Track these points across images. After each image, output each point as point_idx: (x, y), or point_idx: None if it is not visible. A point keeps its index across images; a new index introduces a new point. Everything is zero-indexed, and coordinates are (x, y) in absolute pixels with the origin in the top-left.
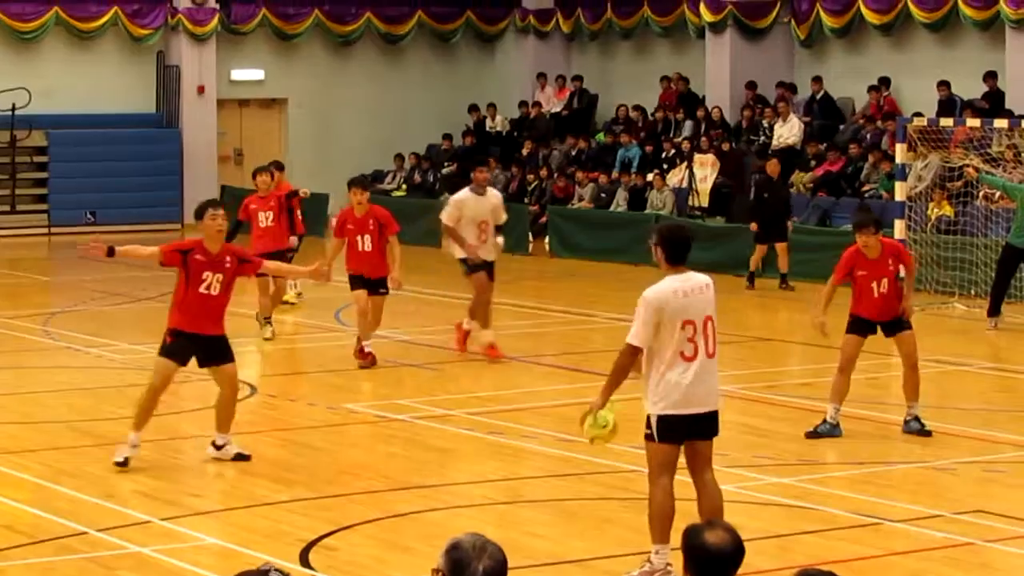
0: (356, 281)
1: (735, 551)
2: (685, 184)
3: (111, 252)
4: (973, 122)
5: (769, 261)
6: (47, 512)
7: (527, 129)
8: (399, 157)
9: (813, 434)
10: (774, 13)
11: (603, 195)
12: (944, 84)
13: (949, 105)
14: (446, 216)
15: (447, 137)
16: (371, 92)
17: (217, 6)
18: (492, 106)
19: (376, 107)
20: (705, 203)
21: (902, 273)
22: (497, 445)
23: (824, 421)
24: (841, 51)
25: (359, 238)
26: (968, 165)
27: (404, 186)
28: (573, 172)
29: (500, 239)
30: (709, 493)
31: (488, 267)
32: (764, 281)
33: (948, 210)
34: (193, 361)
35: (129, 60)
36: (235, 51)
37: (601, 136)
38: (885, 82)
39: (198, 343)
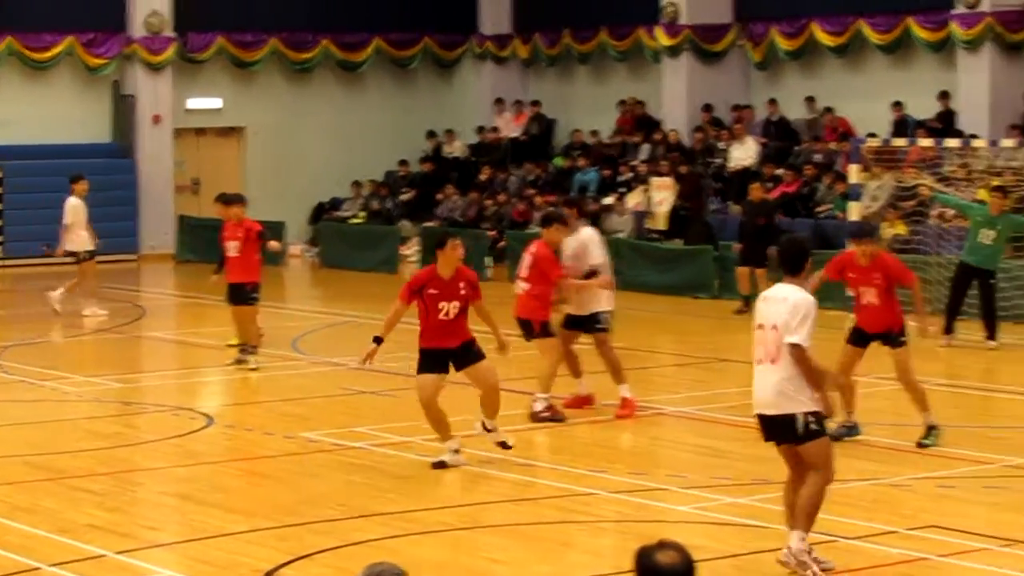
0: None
1: (686, 571)
2: (643, 207)
3: (379, 340)
4: (926, 142)
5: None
6: (2, 549)
7: (485, 154)
8: (356, 184)
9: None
10: (730, 36)
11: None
12: (897, 105)
13: (902, 126)
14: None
15: (404, 163)
16: (329, 119)
17: (174, 35)
18: (450, 132)
19: (334, 134)
20: (663, 226)
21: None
22: (455, 471)
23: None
24: (796, 73)
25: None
26: (922, 184)
27: (362, 213)
28: (531, 196)
29: None
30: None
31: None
32: (727, 303)
33: (902, 229)
34: None
35: (84, 90)
36: (192, 80)
37: (559, 160)
38: (839, 103)
39: (449, 354)
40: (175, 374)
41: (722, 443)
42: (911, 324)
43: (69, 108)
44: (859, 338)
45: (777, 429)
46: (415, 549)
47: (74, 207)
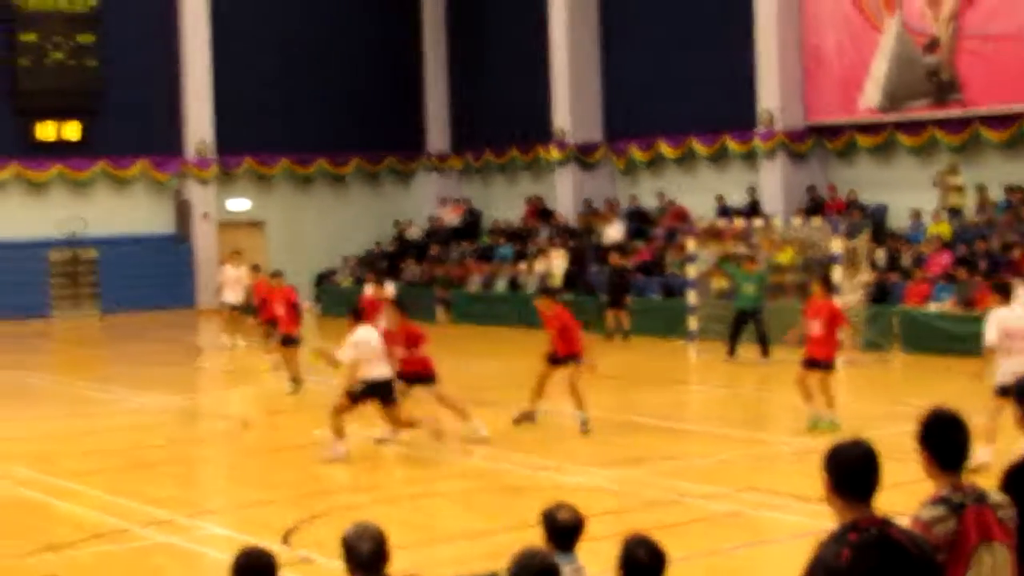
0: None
1: (579, 524)
2: (544, 270)
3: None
4: (739, 222)
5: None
6: (104, 514)
7: (434, 236)
8: (345, 258)
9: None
10: (601, 151)
11: (487, 280)
12: (719, 196)
13: (723, 211)
14: None
15: (378, 244)
16: (324, 214)
17: (215, 157)
18: (410, 221)
19: (328, 224)
20: (559, 283)
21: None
22: (413, 457)
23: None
24: (648, 176)
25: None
26: (736, 253)
27: (350, 278)
28: (467, 264)
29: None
30: None
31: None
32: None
33: (724, 284)
34: None
35: (154, 196)
36: (229, 188)
37: (485, 239)
38: (680, 196)
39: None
40: (225, 392)
41: (601, 434)
42: None
43: (143, 209)
44: (805, 362)
45: None
46: (387, 511)
47: (225, 272)
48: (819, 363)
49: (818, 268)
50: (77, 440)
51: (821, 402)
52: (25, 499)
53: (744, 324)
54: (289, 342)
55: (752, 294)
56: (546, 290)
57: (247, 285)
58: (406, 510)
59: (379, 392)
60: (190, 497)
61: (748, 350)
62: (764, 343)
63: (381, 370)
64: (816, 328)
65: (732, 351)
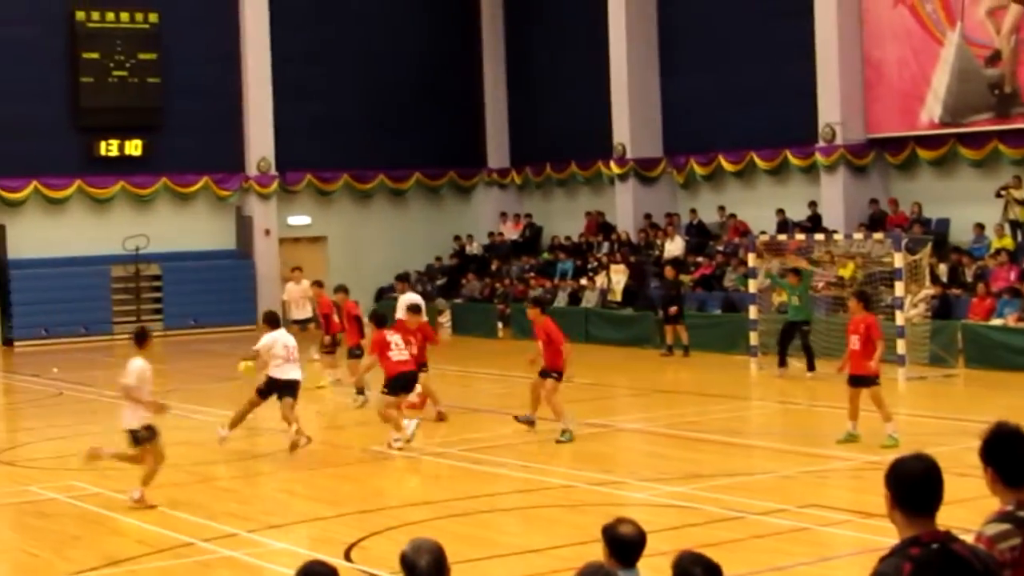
0: None
1: (640, 539)
2: (604, 286)
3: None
4: (800, 237)
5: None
6: (166, 529)
7: (494, 251)
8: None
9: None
10: (661, 166)
11: (548, 295)
12: (780, 211)
13: (784, 225)
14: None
15: (438, 259)
16: (384, 229)
17: (276, 174)
18: (470, 236)
19: (388, 239)
20: (619, 299)
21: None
22: (475, 471)
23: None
24: (708, 190)
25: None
26: (799, 266)
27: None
28: (527, 279)
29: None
30: None
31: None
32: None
33: (785, 298)
34: None
35: (215, 213)
36: (290, 204)
37: (545, 255)
38: (740, 210)
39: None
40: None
41: (663, 449)
42: None
43: (205, 225)
44: (849, 379)
45: None
46: (449, 526)
47: (288, 290)
48: (861, 379)
49: (872, 282)
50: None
51: (879, 417)
52: (88, 513)
53: (790, 336)
54: (353, 355)
55: (796, 306)
56: (536, 300)
57: (310, 298)
58: (469, 525)
59: (279, 389)
60: (252, 512)
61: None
62: (809, 356)
63: (291, 372)
64: (856, 344)
65: (782, 362)
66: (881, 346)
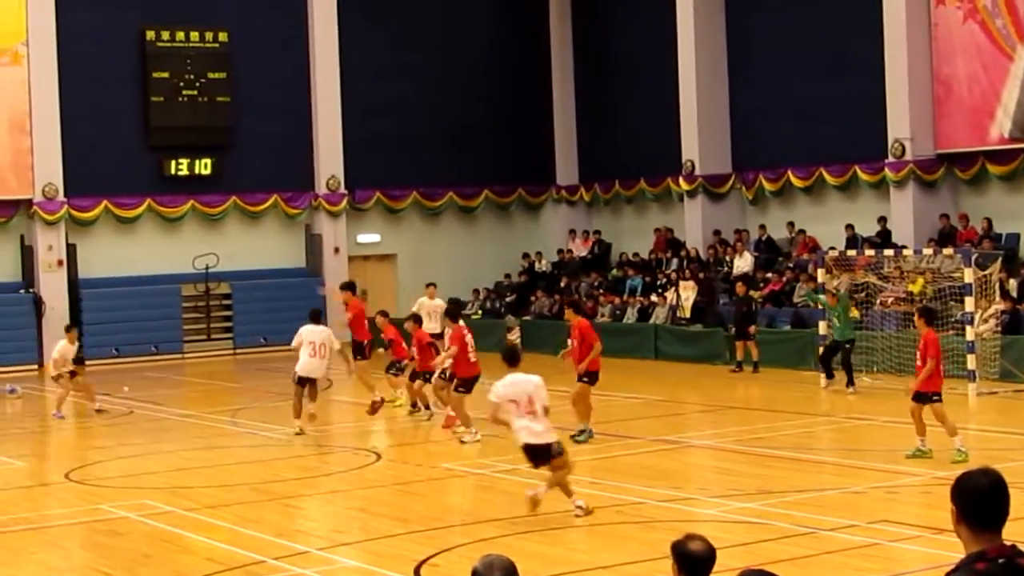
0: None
1: (710, 556)
2: (674, 303)
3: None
4: (870, 252)
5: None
6: (236, 547)
7: (563, 268)
8: (476, 291)
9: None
10: (730, 182)
11: (617, 312)
12: (849, 226)
13: (853, 241)
14: None
15: (508, 276)
16: (454, 247)
17: (346, 192)
18: (539, 253)
19: (458, 257)
20: (688, 315)
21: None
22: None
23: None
24: (777, 206)
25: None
26: (869, 281)
27: (479, 312)
28: (597, 296)
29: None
30: None
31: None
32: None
33: (856, 313)
34: None
35: (285, 231)
36: (359, 222)
37: (614, 271)
38: (809, 226)
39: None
40: (355, 424)
41: (733, 465)
42: None
43: (275, 243)
44: (916, 396)
45: None
46: (520, 543)
47: (422, 304)
48: (922, 396)
49: (942, 298)
50: (209, 473)
51: (944, 432)
52: (158, 532)
53: (833, 354)
54: (418, 376)
55: (838, 326)
56: (572, 303)
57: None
58: (540, 542)
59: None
60: (323, 529)
61: (883, 379)
62: (848, 373)
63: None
64: (920, 360)
65: (829, 375)
66: (931, 364)
